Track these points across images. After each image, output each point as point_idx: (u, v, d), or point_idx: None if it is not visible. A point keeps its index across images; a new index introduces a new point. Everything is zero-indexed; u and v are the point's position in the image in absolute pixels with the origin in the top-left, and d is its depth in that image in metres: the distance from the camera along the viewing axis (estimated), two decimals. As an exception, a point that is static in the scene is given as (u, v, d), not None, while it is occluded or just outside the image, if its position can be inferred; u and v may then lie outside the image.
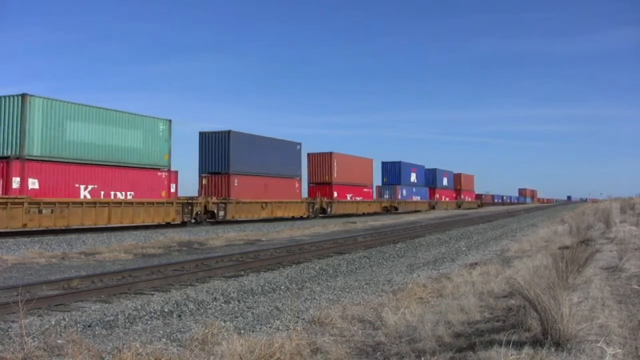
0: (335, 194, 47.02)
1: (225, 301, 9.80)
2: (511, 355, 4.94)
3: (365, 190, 52.44)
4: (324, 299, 9.68)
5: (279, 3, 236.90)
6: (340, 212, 47.81)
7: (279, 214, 38.97)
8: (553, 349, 5.22)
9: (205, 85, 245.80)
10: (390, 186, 58.07)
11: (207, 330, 6.56)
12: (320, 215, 45.52)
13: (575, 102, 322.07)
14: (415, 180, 63.73)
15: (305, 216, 42.60)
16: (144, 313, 8.62)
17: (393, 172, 59.63)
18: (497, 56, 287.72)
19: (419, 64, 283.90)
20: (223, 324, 7.33)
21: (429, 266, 14.41)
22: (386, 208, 56.23)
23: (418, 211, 62.04)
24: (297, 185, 41.66)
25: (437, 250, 18.89)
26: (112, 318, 8.20)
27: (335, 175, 47.20)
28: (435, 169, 72.95)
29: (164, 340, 6.77)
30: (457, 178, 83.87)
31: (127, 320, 8.16)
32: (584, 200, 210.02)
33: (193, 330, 7.02)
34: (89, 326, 7.75)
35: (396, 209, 56.78)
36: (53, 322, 7.77)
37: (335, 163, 47.32)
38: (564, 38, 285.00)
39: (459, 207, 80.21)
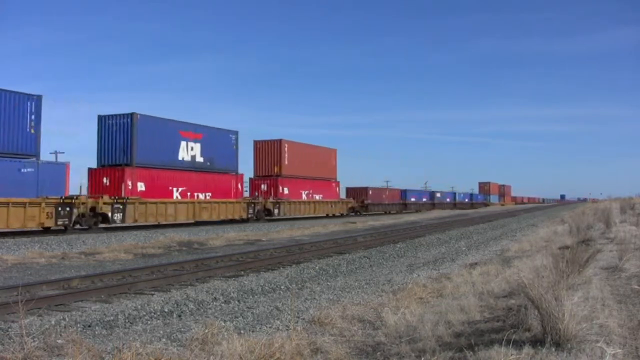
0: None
1: (225, 301, 9.79)
2: (511, 355, 4.93)
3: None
4: (324, 299, 9.68)
5: (279, 3, 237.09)
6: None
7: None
8: (553, 349, 5.22)
9: (205, 85, 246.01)
10: None
11: (207, 330, 6.55)
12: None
13: (575, 102, 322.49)
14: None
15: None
16: (144, 313, 8.61)
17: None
18: (497, 56, 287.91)
19: (419, 64, 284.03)
20: (223, 324, 7.33)
21: (429, 266, 14.40)
22: None
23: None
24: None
25: (437, 250, 18.88)
26: (112, 318, 8.19)
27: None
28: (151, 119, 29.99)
29: (164, 340, 6.76)
30: (266, 150, 41.15)
31: (127, 320, 8.16)
32: (581, 200, 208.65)
33: (193, 330, 7.02)
34: (89, 326, 7.75)
35: None
36: (53, 322, 7.77)
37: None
38: (564, 38, 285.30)
39: (267, 213, 38.52)
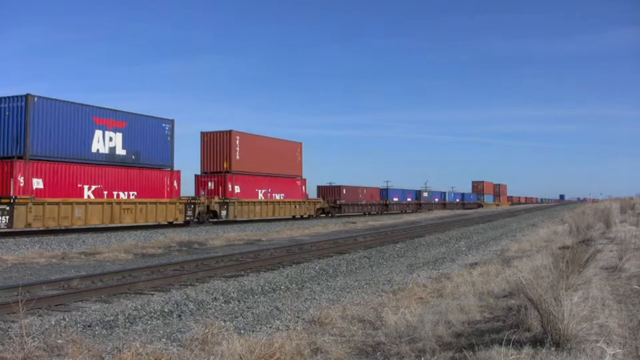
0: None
1: (225, 301, 9.79)
2: (511, 355, 4.93)
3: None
4: (324, 299, 9.68)
5: (279, 3, 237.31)
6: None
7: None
8: (553, 349, 5.22)
9: (205, 85, 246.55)
10: None
11: (207, 330, 6.56)
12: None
13: (575, 102, 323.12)
14: None
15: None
16: (144, 313, 8.61)
17: None
18: (497, 56, 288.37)
19: (419, 64, 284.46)
20: (223, 324, 7.33)
21: (429, 266, 14.40)
22: None
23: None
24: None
25: (437, 250, 18.88)
26: (112, 318, 8.19)
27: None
28: None
29: (164, 340, 6.76)
30: (214, 143, 37.49)
31: (127, 320, 8.16)
32: (581, 200, 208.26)
33: (193, 330, 7.02)
34: (89, 326, 7.75)
35: None
36: (53, 322, 7.77)
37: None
38: (564, 38, 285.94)
39: (213, 215, 34.62)
